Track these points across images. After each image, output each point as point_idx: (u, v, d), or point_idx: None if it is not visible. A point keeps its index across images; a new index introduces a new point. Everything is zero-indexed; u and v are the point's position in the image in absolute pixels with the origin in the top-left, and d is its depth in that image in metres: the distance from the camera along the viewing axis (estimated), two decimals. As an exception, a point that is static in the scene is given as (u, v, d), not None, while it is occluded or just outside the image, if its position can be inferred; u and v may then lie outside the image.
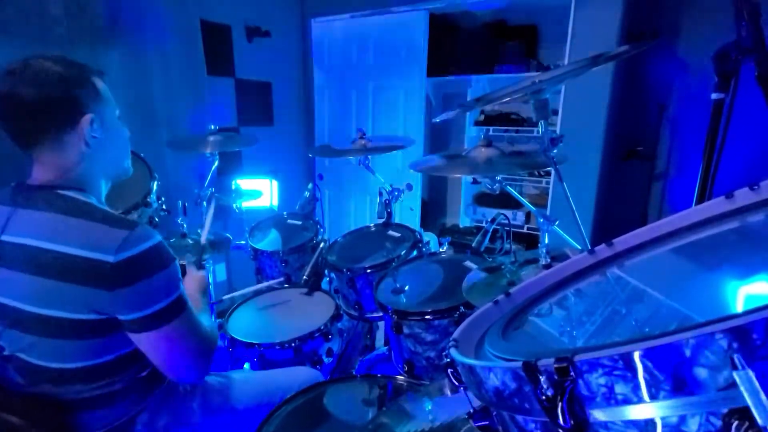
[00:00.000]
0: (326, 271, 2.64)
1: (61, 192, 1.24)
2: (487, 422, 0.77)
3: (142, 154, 2.23)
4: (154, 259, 1.20)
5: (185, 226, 2.61)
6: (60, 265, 1.15)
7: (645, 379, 0.50)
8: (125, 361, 1.30)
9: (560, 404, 0.55)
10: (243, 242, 2.93)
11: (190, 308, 1.31)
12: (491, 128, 4.49)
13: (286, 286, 2.59)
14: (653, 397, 0.51)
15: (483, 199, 4.78)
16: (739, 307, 0.69)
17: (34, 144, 1.24)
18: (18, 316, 1.20)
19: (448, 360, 0.80)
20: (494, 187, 1.72)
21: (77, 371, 1.24)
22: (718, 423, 0.48)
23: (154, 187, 2.38)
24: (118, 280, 1.15)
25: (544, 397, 0.57)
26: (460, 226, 4.96)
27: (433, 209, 5.30)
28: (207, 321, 1.43)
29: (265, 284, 2.53)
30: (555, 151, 1.51)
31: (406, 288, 2.04)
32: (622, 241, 1.06)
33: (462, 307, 1.77)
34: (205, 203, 2.62)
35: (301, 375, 1.79)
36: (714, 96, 1.57)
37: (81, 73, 1.27)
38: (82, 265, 1.14)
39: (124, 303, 1.18)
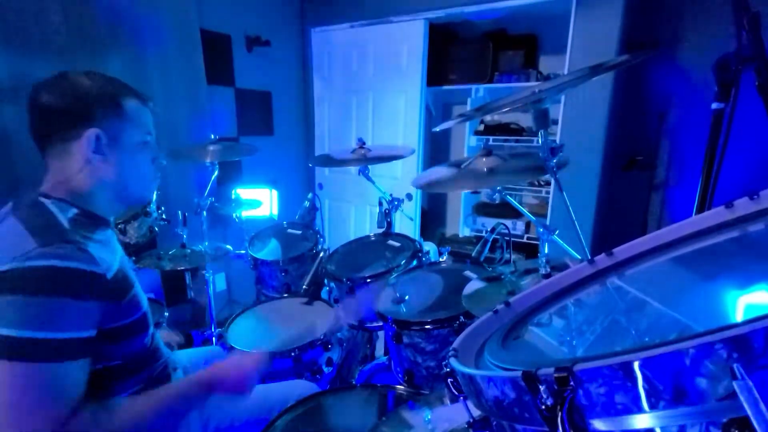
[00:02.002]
0: (326, 281, 2.64)
1: (41, 200, 1.22)
2: (486, 432, 0.77)
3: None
4: (31, 278, 1.05)
5: (185, 236, 2.62)
6: None
7: (645, 388, 0.50)
8: (101, 377, 1.24)
9: (560, 414, 0.55)
10: (243, 252, 2.93)
11: (48, 370, 1.05)
12: (491, 138, 4.49)
13: (286, 295, 2.59)
14: (653, 406, 0.51)
15: (483, 209, 4.78)
16: (739, 317, 0.69)
17: (43, 149, 1.26)
18: None
19: (448, 369, 0.80)
20: (494, 196, 1.72)
21: None
22: (718, 433, 0.48)
23: (154, 197, 2.39)
24: None
25: (543, 407, 0.57)
26: (460, 235, 4.96)
27: (432, 219, 5.30)
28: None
29: None
30: (555, 160, 1.51)
31: (406, 298, 2.04)
32: (622, 251, 1.06)
33: (462, 317, 1.77)
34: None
35: (298, 389, 1.79)
36: (714, 105, 1.57)
37: (106, 90, 1.28)
38: None
39: None
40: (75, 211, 1.23)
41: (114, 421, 1.15)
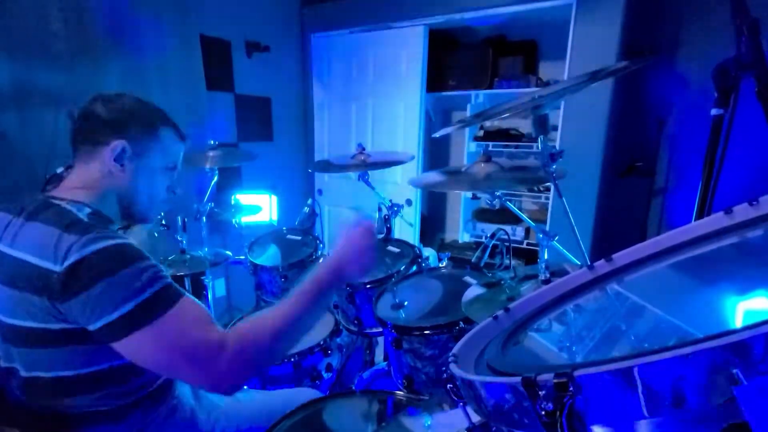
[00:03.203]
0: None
1: (56, 201, 1.25)
2: (486, 438, 0.77)
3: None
4: (105, 260, 1.11)
5: (184, 241, 2.61)
6: (19, 273, 1.15)
7: (644, 394, 0.50)
8: (122, 373, 1.25)
9: (560, 419, 0.55)
10: (242, 257, 2.93)
11: (182, 306, 1.16)
12: (491, 143, 4.50)
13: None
14: (652, 412, 0.51)
15: (482, 215, 4.78)
16: (739, 323, 0.69)
17: (76, 150, 1.37)
18: (2, 328, 1.21)
19: (448, 375, 0.80)
20: (494, 202, 1.72)
21: (64, 380, 1.20)
22: (718, 439, 0.48)
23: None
24: (68, 290, 1.09)
25: (543, 413, 0.57)
26: (460, 241, 4.96)
27: (432, 224, 5.30)
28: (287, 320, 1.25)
29: None
30: (554, 166, 1.51)
31: (406, 303, 2.03)
32: (622, 257, 1.06)
33: (461, 323, 1.76)
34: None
35: (303, 396, 1.79)
36: (713, 112, 1.57)
37: (147, 113, 1.43)
38: (35, 272, 1.12)
39: (83, 312, 1.10)
40: (88, 210, 1.28)
41: (270, 326, 1.23)
